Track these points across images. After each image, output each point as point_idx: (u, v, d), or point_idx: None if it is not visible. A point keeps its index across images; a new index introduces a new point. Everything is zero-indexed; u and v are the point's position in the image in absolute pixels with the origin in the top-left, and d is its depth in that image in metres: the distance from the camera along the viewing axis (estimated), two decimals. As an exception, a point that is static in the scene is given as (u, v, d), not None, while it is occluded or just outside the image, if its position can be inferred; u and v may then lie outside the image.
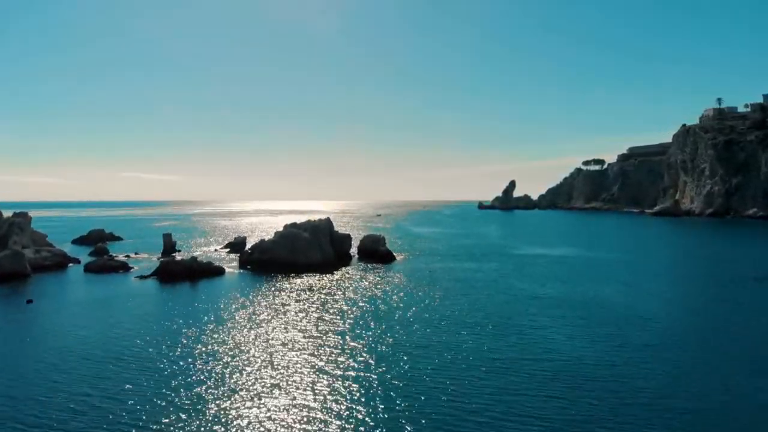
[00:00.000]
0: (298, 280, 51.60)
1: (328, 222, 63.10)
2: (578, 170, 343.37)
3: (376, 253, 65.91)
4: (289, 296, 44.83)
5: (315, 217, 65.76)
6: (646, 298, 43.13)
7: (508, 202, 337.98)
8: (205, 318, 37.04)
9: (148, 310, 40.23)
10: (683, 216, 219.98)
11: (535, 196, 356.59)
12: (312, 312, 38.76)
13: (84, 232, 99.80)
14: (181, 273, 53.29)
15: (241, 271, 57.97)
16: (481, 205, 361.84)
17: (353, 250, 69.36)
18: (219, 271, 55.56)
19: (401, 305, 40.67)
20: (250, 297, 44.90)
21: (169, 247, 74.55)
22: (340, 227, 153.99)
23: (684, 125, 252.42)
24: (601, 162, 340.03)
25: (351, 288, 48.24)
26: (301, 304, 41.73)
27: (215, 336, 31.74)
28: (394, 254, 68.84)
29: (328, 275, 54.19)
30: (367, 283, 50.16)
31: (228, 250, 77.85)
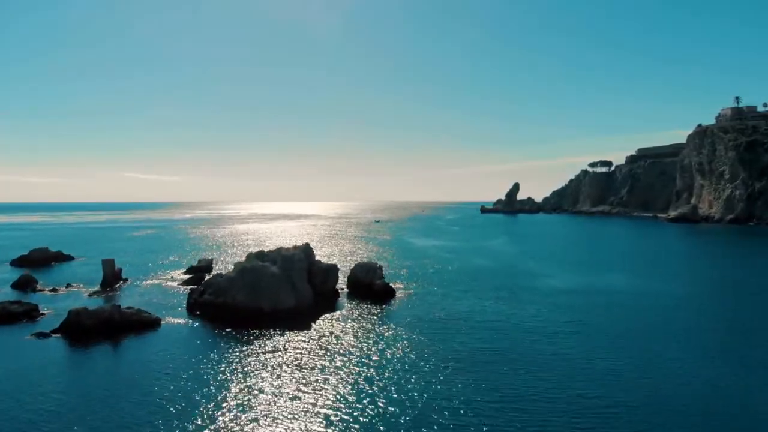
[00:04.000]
0: (258, 343, 36.44)
1: (305, 251, 47.65)
2: (584, 172, 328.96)
3: (370, 288, 50.81)
4: (241, 370, 29.88)
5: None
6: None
7: (511, 205, 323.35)
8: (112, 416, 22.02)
9: (24, 401, 25.44)
10: (701, 222, 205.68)
11: (537, 198, 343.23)
12: (274, 401, 23.77)
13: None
14: (96, 328, 38.21)
15: (186, 320, 42.73)
16: (484, 209, 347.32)
17: (341, 284, 54.18)
18: (153, 323, 40.43)
19: (409, 392, 25.54)
20: (187, 370, 30.18)
21: (111, 277, 59.31)
22: (335, 236, 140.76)
23: (700, 125, 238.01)
24: (608, 164, 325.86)
25: (332, 353, 33.20)
26: (258, 382, 26.76)
27: None
28: (394, 287, 53.76)
29: (301, 330, 39.04)
30: (354, 345, 35.06)
31: (188, 277, 62.63)
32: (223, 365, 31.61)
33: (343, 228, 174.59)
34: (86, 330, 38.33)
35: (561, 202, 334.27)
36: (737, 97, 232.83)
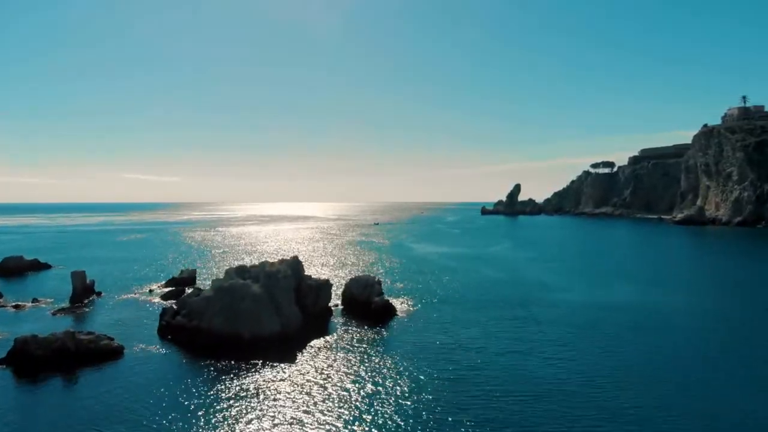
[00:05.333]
0: (234, 377, 30.94)
1: (293, 266, 42.02)
2: (586, 173, 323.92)
3: (367, 306, 45.30)
4: (212, 411, 24.45)
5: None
6: None
7: (513, 206, 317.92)
8: None
9: None
10: (708, 225, 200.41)
11: (538, 199, 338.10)
12: None
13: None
14: (48, 359, 32.75)
15: (155, 347, 37.17)
16: (484, 210, 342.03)
17: (335, 301, 48.66)
18: (113, 353, 34.92)
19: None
20: (147, 412, 25.07)
21: (81, 291, 53.81)
22: (331, 240, 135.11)
23: (706, 125, 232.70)
24: (610, 164, 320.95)
25: (320, 390, 27.68)
26: (232, 426, 21.42)
27: None
28: (393, 303, 48.30)
29: (286, 361, 33.54)
30: (346, 381, 29.57)
31: (168, 290, 57.11)
32: (192, 405, 26.23)
33: (341, 231, 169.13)
34: (36, 361, 32.88)
35: (562, 203, 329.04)
36: (744, 97, 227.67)
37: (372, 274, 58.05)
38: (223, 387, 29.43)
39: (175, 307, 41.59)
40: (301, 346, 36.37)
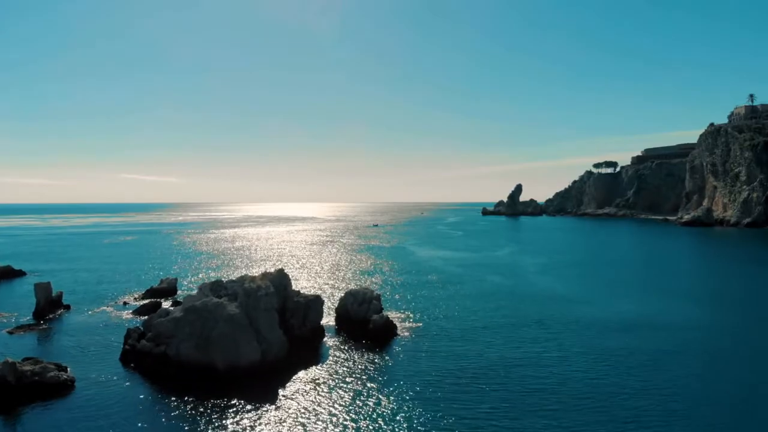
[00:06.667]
0: (204, 418, 25.36)
1: (277, 281, 36.26)
2: (589, 173, 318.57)
3: (365, 324, 39.70)
4: None
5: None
6: None
7: (514, 207, 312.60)
8: None
9: None
10: (716, 226, 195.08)
11: (538, 199, 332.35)
12: None
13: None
14: (-21, 397, 27.16)
15: (113, 377, 31.53)
16: (485, 210, 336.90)
17: (327, 319, 43.07)
18: (62, 386, 29.32)
19: None
20: None
21: (45, 305, 48.14)
22: (327, 244, 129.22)
23: (712, 124, 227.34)
24: (613, 164, 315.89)
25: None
26: None
27: None
28: (393, 320, 42.78)
29: (267, 398, 27.98)
30: (340, 424, 24.06)
31: (144, 303, 51.46)
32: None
33: (338, 234, 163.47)
34: (-35, 399, 27.29)
35: (564, 204, 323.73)
36: (752, 95, 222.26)
37: (370, 287, 52.56)
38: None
39: (141, 328, 35.97)
40: (285, 378, 30.75)
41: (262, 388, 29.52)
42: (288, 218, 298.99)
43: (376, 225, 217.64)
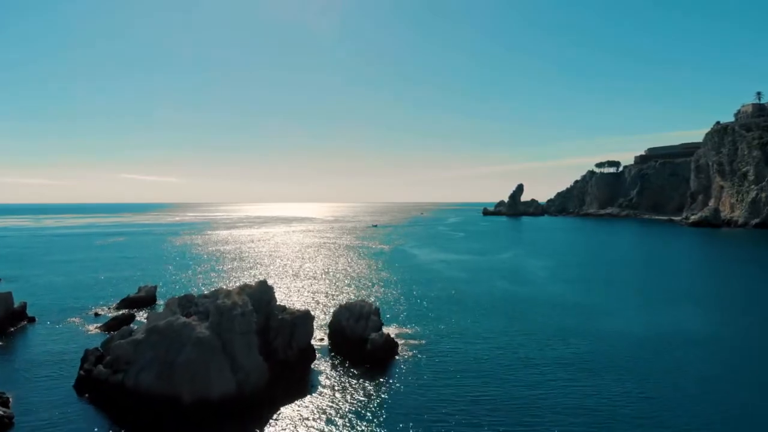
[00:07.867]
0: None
1: (258, 295, 30.92)
2: (591, 173, 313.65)
3: (361, 344, 34.49)
4: None
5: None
6: None
7: (515, 207, 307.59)
8: None
9: None
10: (722, 226, 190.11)
11: (539, 199, 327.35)
12: None
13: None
14: None
15: (62, 412, 26.28)
16: (486, 211, 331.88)
17: (319, 335, 37.88)
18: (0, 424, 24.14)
19: None
20: None
21: (5, 318, 42.84)
22: (323, 246, 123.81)
23: (718, 122, 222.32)
24: (616, 164, 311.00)
25: None
26: None
27: None
28: (394, 336, 37.65)
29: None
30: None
31: (116, 314, 46.22)
32: None
33: (337, 235, 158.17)
34: None
35: (566, 204, 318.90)
36: (759, 93, 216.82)
37: (368, 297, 47.43)
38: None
39: (100, 349, 30.76)
40: (265, 415, 25.52)
41: (238, 427, 24.38)
42: (286, 219, 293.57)
43: (376, 225, 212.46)
